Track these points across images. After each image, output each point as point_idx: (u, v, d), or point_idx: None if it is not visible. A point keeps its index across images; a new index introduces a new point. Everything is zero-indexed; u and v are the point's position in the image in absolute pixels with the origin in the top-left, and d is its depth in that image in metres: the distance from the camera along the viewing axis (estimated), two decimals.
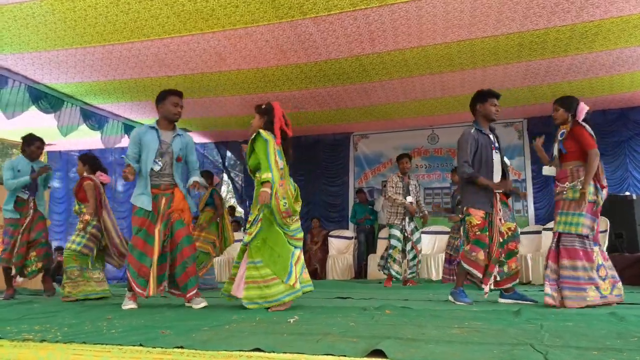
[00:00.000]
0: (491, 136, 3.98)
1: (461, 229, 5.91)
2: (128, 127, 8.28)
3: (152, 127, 3.90)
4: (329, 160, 9.80)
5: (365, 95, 7.47)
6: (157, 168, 3.76)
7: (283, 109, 3.78)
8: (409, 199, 6.14)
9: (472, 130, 3.93)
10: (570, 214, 3.54)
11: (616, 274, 3.61)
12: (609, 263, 3.61)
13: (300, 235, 3.60)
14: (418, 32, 5.46)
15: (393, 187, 6.23)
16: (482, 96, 3.99)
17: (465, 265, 3.75)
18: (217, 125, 9.15)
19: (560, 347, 1.75)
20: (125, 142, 7.90)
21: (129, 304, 3.62)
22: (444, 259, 6.79)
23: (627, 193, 7.35)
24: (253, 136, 3.59)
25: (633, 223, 6.86)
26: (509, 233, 3.80)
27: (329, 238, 8.85)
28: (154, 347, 1.89)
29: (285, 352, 1.74)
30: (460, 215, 5.96)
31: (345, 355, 1.67)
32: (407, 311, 3.06)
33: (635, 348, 1.74)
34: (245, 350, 1.78)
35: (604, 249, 6.07)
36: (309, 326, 2.42)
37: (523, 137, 8.84)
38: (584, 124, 3.69)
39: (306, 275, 3.53)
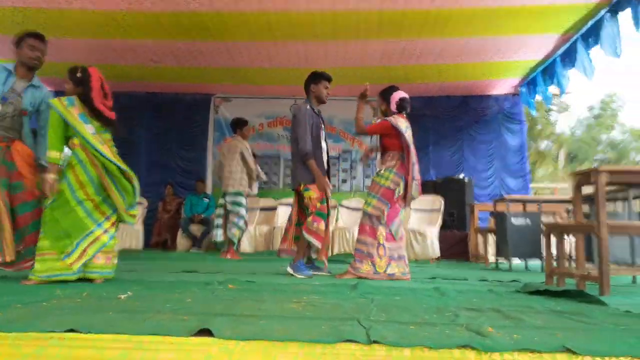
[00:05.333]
0: (320, 118, 4.21)
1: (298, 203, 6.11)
2: None
3: (7, 69, 3.34)
4: (187, 123, 9.35)
5: (228, 55, 7.24)
6: None
7: (102, 74, 3.36)
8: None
9: (307, 108, 4.10)
10: (370, 195, 4.00)
11: (397, 255, 3.97)
12: (393, 244, 3.99)
13: (135, 211, 3.34)
14: None
15: (251, 156, 6.15)
16: (317, 77, 4.17)
17: (307, 236, 3.92)
18: (57, 72, 8.14)
19: (383, 322, 1.88)
20: None
21: None
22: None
23: (462, 176, 8.21)
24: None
25: (463, 203, 7.71)
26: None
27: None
28: None
29: (104, 333, 1.61)
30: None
31: (170, 335, 1.59)
32: (250, 285, 3.07)
33: (448, 322, 1.93)
34: (58, 332, 1.61)
35: (438, 226, 6.78)
36: (142, 303, 2.28)
37: (377, 114, 9.33)
38: (392, 117, 4.03)
39: (103, 262, 3.18)
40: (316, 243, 3.96)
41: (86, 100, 3.19)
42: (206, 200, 8.26)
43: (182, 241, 7.89)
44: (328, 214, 4.17)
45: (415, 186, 3.97)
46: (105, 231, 3.16)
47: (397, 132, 3.96)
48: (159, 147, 9.26)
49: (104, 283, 3.14)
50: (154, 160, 9.23)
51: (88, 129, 3.14)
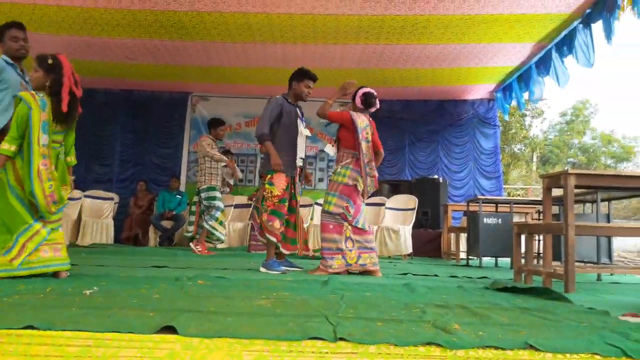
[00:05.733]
0: (297, 109, 4.18)
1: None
2: None
3: (8, 62, 3.30)
4: (163, 120, 9.26)
5: (206, 54, 7.16)
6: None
7: (70, 63, 3.18)
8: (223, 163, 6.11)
9: (279, 97, 4.10)
10: (329, 194, 4.01)
11: (369, 247, 4.01)
12: (361, 237, 4.02)
13: (58, 216, 3.13)
14: None
15: (214, 148, 6.05)
16: (301, 75, 4.14)
17: (269, 235, 3.91)
18: (29, 67, 7.97)
19: (351, 319, 1.86)
20: None
21: None
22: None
23: (436, 176, 8.28)
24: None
25: (437, 203, 7.77)
26: (295, 205, 4.20)
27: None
28: None
29: (65, 330, 1.55)
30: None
31: (132, 332, 1.55)
32: (220, 281, 3.02)
33: (414, 319, 1.93)
34: (16, 328, 1.55)
35: (411, 224, 6.82)
36: (107, 299, 2.22)
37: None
38: (354, 112, 4.04)
39: (51, 254, 3.04)
40: (274, 240, 3.94)
41: (56, 88, 3.05)
42: (179, 197, 8.15)
43: (153, 236, 7.79)
44: (295, 212, 4.17)
45: (370, 182, 3.99)
46: (44, 225, 3.03)
47: (353, 127, 3.95)
48: (134, 144, 9.15)
49: (69, 278, 3.05)
50: (128, 156, 9.14)
51: (42, 140, 2.99)
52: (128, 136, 9.18)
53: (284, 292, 2.59)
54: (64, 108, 3.03)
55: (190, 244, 5.99)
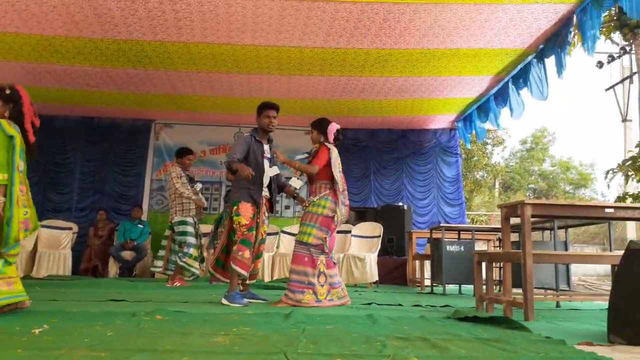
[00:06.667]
0: (266, 146, 4.20)
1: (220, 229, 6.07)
2: None
3: None
4: (125, 147, 9.09)
5: (169, 83, 7.14)
6: None
7: (27, 92, 3.13)
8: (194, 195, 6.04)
9: (247, 135, 4.15)
10: (308, 225, 3.97)
11: (337, 281, 4.03)
12: (332, 271, 4.03)
13: (16, 250, 2.99)
14: (227, 29, 5.42)
15: (179, 179, 5.97)
16: (260, 108, 4.19)
17: (234, 266, 3.85)
18: None
19: (311, 355, 1.84)
20: None
21: None
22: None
23: (400, 204, 8.38)
24: None
25: (402, 230, 7.85)
26: (263, 235, 4.20)
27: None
28: None
29: None
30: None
31: None
32: (179, 316, 2.93)
33: (375, 353, 1.92)
34: None
35: (377, 252, 6.85)
36: (57, 338, 2.13)
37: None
38: (329, 145, 4.11)
39: (6, 289, 2.89)
40: (243, 272, 3.87)
41: (18, 119, 3.00)
42: (141, 226, 7.95)
43: (113, 267, 7.54)
44: (260, 240, 4.14)
45: (345, 211, 4.05)
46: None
47: (331, 161, 4.03)
48: (94, 172, 8.94)
49: (18, 315, 2.88)
50: (87, 184, 8.89)
51: (20, 167, 2.95)
52: (88, 164, 8.96)
53: (244, 327, 2.53)
54: (32, 138, 3.01)
55: (167, 284, 5.84)
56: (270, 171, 4.13)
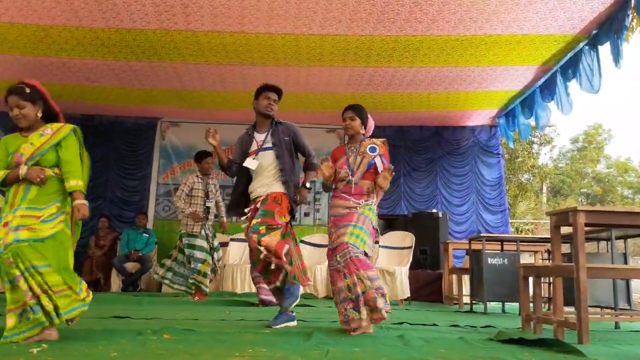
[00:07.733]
0: (261, 135, 4.02)
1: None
2: None
3: None
4: (129, 149, 9.25)
5: (176, 77, 7.23)
6: None
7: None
8: (209, 203, 6.13)
9: (244, 131, 4.21)
10: (362, 229, 3.52)
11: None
12: None
13: None
14: (239, 16, 5.47)
15: (182, 191, 6.08)
16: (256, 93, 4.08)
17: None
18: None
19: None
20: None
21: None
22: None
23: (434, 210, 8.32)
24: (63, 130, 3.05)
25: (437, 240, 7.78)
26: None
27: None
28: None
29: None
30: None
31: None
32: (188, 335, 2.97)
33: None
34: None
35: (408, 265, 6.81)
36: (57, 357, 2.18)
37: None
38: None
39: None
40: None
41: (52, 113, 3.10)
42: (146, 235, 8.05)
43: (116, 280, 7.64)
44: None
45: None
46: None
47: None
48: (95, 176, 9.03)
49: None
50: (87, 189, 8.85)
51: None
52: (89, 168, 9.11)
53: (261, 348, 2.55)
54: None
55: (191, 297, 6.07)
56: (249, 163, 3.94)
